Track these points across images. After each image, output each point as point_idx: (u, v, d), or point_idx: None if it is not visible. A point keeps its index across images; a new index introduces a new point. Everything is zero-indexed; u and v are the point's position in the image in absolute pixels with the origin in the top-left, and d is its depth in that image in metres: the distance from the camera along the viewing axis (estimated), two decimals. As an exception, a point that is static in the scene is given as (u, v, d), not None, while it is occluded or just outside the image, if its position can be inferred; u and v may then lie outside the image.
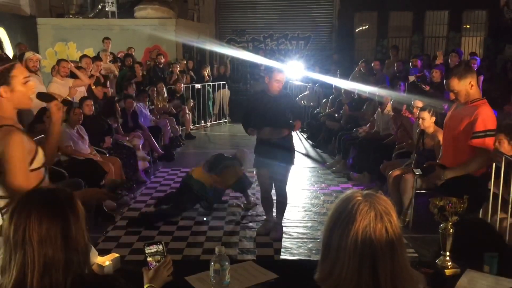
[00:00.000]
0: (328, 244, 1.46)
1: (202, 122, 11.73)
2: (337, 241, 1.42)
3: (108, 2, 12.44)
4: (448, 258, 2.41)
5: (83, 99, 6.62)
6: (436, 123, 5.30)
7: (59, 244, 1.54)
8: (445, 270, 2.38)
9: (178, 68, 11.08)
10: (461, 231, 2.42)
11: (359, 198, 1.45)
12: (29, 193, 1.64)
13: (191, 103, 11.00)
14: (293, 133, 4.90)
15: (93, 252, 2.41)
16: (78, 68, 7.28)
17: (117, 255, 2.53)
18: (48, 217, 1.54)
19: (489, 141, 3.44)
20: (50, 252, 1.53)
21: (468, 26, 14.66)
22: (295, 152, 4.89)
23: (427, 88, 7.56)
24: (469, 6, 14.13)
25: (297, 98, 11.44)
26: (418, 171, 4.44)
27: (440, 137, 5.13)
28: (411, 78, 8.45)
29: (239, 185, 5.84)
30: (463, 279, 2.31)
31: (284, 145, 4.70)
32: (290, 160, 4.79)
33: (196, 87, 11.39)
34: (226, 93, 12.32)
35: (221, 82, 12.13)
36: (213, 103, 12.11)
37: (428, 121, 5.27)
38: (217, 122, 12.21)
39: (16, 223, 1.54)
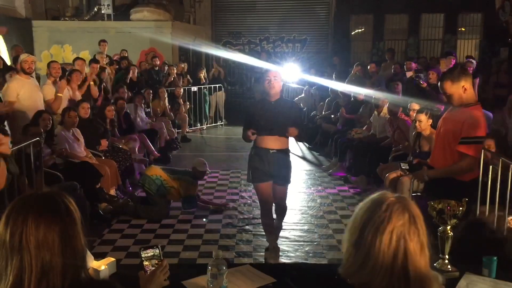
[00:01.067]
0: (358, 242, 1.53)
1: (198, 124, 11.70)
2: (370, 239, 1.50)
3: (104, 5, 12.41)
4: (447, 261, 2.40)
5: (79, 102, 6.58)
6: (432, 125, 5.31)
7: (57, 249, 1.52)
8: (444, 274, 2.36)
9: (175, 71, 11.06)
10: (461, 232, 2.42)
11: (393, 199, 1.54)
12: (25, 197, 1.62)
13: (187, 106, 10.98)
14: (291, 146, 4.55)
15: (89, 256, 2.39)
16: (71, 72, 7.22)
17: (113, 259, 2.50)
18: (45, 221, 1.52)
19: (475, 148, 3.43)
20: (47, 256, 1.50)
21: (463, 29, 14.71)
22: (291, 169, 4.38)
23: (425, 84, 7.55)
24: (464, 9, 14.18)
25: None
26: (405, 166, 4.44)
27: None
28: (409, 74, 8.44)
29: (188, 200, 5.81)
30: (462, 282, 2.30)
31: (281, 158, 4.26)
32: (286, 177, 4.35)
33: (192, 90, 11.37)
34: (222, 95, 12.30)
35: (217, 85, 12.11)
36: (209, 106, 12.10)
37: (425, 123, 5.27)
38: (213, 124, 12.19)
39: (12, 228, 1.51)
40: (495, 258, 2.32)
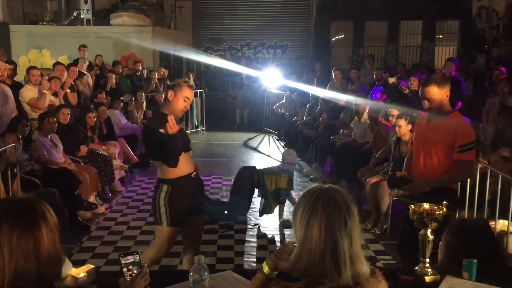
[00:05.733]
0: (295, 236, 1.64)
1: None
2: (302, 233, 1.59)
3: (83, 9, 12.28)
4: (427, 265, 2.41)
5: (59, 107, 6.49)
6: (412, 131, 5.36)
7: (31, 255, 1.51)
8: (425, 277, 2.38)
9: (156, 76, 10.99)
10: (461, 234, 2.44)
11: (320, 190, 1.63)
12: (1, 202, 1.59)
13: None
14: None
15: (67, 263, 2.34)
16: (51, 79, 7.13)
17: (92, 266, 2.46)
18: (20, 227, 1.51)
19: (473, 153, 3.46)
20: (21, 261, 1.50)
21: (441, 36, 14.95)
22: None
23: (407, 91, 7.63)
24: (442, 16, 14.41)
25: (274, 107, 11.49)
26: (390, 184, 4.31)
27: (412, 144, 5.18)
28: (391, 80, 8.53)
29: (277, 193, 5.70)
30: (443, 286, 2.31)
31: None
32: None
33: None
34: (198, 101, 12.23)
35: (198, 90, 12.08)
36: (195, 111, 12.05)
37: (404, 128, 5.32)
38: (194, 130, 12.14)
39: None
40: (475, 261, 2.34)
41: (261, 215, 5.73)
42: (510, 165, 4.54)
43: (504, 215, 4.00)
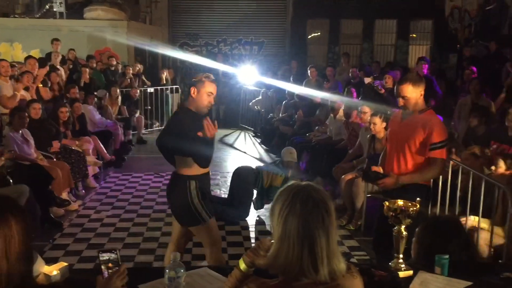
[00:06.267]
0: (274, 233, 1.64)
1: (155, 126, 11.52)
2: (281, 228, 1.60)
3: (56, 2, 12.03)
4: (401, 260, 2.45)
5: (30, 102, 6.35)
6: (386, 128, 5.43)
7: (1, 252, 1.48)
8: (399, 273, 2.41)
9: (131, 71, 10.86)
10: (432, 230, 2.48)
11: (298, 188, 1.63)
12: None
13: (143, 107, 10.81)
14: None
15: (40, 261, 2.30)
16: (23, 73, 6.98)
17: (65, 264, 2.42)
18: None
19: (445, 151, 3.52)
20: None
21: (415, 35, 15.17)
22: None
23: (383, 91, 7.73)
24: (416, 15, 14.62)
25: (250, 103, 11.48)
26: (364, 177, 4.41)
27: (387, 141, 5.25)
28: (367, 80, 8.61)
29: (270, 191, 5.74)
30: (416, 281, 2.35)
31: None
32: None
33: (149, 91, 11.20)
34: (176, 97, 12.16)
35: (174, 86, 11.99)
36: (171, 107, 11.96)
37: (379, 126, 5.39)
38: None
39: None
40: (446, 256, 2.39)
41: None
42: (480, 162, 4.65)
43: (475, 212, 4.09)
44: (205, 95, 3.32)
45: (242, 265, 1.89)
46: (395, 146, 3.68)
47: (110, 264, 1.97)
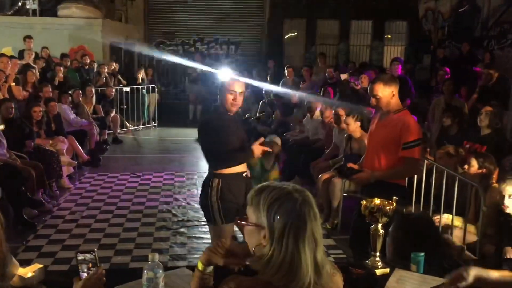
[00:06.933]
0: (273, 238, 1.57)
1: (131, 126, 11.40)
2: (287, 243, 1.53)
3: (28, -1, 11.81)
4: (378, 258, 2.48)
5: (2, 101, 6.21)
6: (362, 127, 5.49)
7: None
8: (376, 270, 2.44)
9: (106, 70, 10.72)
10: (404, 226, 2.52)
11: (300, 197, 1.57)
12: None
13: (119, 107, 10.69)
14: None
15: (14, 263, 2.25)
16: None
17: (40, 265, 2.37)
18: None
19: (418, 150, 3.57)
20: None
21: (389, 36, 15.37)
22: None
23: (359, 87, 7.80)
24: (391, 16, 14.81)
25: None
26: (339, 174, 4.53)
27: (365, 141, 5.31)
28: (343, 76, 8.68)
29: None
30: (392, 279, 2.38)
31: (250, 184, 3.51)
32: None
33: (124, 90, 11.08)
34: (154, 97, 12.09)
35: (150, 86, 11.89)
36: (148, 106, 11.86)
37: (352, 126, 5.45)
38: (146, 126, 11.93)
39: None
40: (422, 254, 2.43)
41: None
42: (454, 161, 4.74)
43: (448, 210, 4.17)
44: (227, 94, 3.38)
45: (199, 265, 1.88)
46: (372, 146, 3.74)
47: (88, 265, 1.94)
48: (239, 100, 3.42)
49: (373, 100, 3.61)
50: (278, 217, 1.54)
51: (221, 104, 3.46)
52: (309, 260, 1.53)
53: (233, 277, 1.60)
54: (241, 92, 3.40)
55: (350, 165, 3.75)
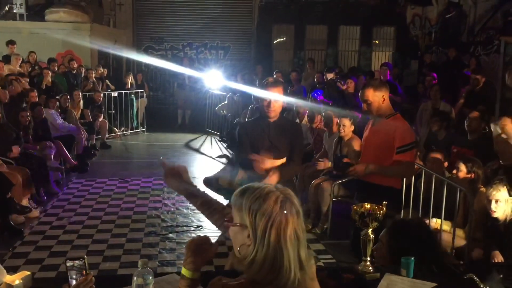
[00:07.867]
0: (256, 237, 1.58)
1: (119, 131, 11.33)
2: (270, 238, 1.54)
3: (16, 4, 11.69)
4: (368, 263, 2.48)
5: (-13, 106, 6.15)
6: (354, 132, 5.52)
7: None
8: (366, 275, 2.44)
9: (94, 74, 10.65)
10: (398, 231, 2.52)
11: (279, 194, 1.58)
12: None
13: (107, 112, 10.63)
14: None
15: (1, 270, 2.22)
16: None
17: (28, 272, 2.34)
18: None
19: (410, 154, 3.59)
20: None
21: (377, 42, 15.48)
22: None
23: (344, 87, 7.84)
24: (378, 22, 14.92)
25: (216, 108, 11.45)
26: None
27: (355, 144, 5.33)
28: (330, 76, 8.71)
29: None
30: (382, 283, 2.39)
31: None
32: None
33: (112, 95, 11.02)
34: (143, 102, 12.04)
35: (139, 91, 11.84)
36: (136, 111, 11.80)
37: (348, 128, 5.47)
38: (134, 131, 11.87)
39: None
40: (412, 258, 2.44)
41: None
42: (442, 166, 4.78)
43: (437, 214, 4.20)
44: (263, 99, 3.46)
45: (187, 272, 1.83)
46: (365, 149, 3.77)
47: (78, 272, 1.92)
48: (273, 106, 3.45)
49: (364, 106, 3.64)
50: (260, 216, 1.55)
51: (261, 108, 3.57)
52: (292, 256, 1.54)
53: (216, 280, 1.58)
54: (275, 100, 3.41)
55: (346, 160, 3.79)
